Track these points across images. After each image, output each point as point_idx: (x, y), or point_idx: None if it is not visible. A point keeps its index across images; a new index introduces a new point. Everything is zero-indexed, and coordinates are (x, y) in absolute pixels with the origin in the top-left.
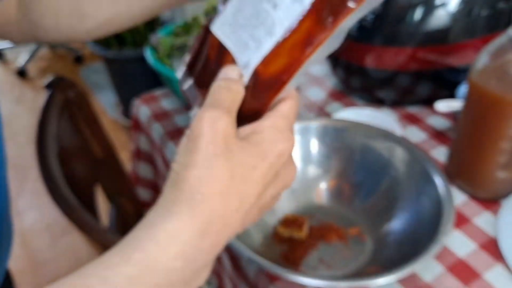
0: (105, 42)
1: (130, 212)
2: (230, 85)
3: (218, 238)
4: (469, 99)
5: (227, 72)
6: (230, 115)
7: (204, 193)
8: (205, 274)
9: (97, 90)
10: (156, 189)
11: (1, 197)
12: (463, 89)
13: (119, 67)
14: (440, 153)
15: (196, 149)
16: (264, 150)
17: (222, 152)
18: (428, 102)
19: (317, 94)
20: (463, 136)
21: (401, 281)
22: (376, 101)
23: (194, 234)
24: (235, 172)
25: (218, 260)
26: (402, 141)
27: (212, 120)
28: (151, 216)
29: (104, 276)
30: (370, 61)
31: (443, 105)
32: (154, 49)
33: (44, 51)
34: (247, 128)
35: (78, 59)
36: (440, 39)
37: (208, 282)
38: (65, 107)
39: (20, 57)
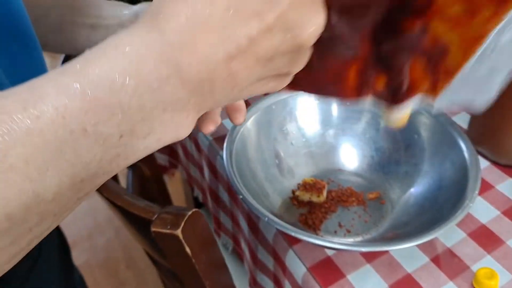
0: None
1: (147, 176)
2: None
3: (186, 72)
4: None
5: None
6: None
7: (168, 12)
8: (177, 119)
9: None
10: (172, 154)
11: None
12: None
13: None
14: (461, 119)
15: None
16: None
17: None
18: None
19: None
20: None
21: (420, 246)
22: None
23: (148, 53)
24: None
25: (235, 221)
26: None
27: None
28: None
29: (59, 82)
30: None
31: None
32: None
33: None
34: None
35: None
36: None
37: (224, 244)
38: None
39: None
